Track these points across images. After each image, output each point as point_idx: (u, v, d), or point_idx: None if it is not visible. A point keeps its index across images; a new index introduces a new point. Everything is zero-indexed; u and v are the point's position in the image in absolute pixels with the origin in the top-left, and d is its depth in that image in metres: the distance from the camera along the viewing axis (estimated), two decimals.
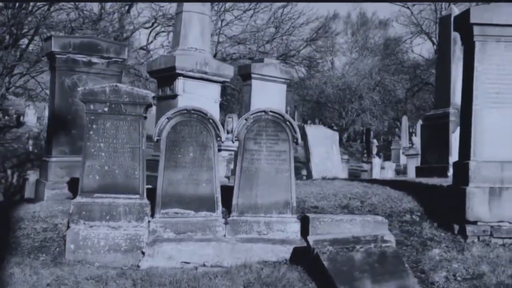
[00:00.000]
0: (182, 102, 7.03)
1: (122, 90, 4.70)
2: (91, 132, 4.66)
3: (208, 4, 7.52)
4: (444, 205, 5.20)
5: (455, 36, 8.08)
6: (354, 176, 19.40)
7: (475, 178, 4.84)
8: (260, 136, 4.81)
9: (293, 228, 4.77)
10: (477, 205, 4.79)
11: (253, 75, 8.16)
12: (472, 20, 4.87)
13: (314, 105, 48.71)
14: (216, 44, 32.03)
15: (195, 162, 4.74)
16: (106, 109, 4.67)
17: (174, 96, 7.04)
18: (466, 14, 4.93)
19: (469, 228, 4.80)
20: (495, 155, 4.87)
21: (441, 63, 8.38)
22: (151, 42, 29.57)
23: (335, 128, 50.42)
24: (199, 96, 7.18)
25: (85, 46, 6.35)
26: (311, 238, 4.39)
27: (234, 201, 4.77)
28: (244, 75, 8.33)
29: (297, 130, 4.87)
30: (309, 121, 45.40)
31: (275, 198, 4.80)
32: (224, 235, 4.71)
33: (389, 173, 18.88)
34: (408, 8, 23.56)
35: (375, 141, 46.62)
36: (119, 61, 6.54)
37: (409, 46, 25.19)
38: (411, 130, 31.17)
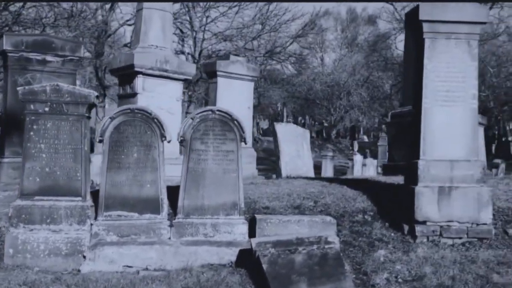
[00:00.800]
0: (142, 100, 6.93)
1: (64, 89, 4.57)
2: (31, 133, 4.53)
3: (170, 1, 7.38)
4: (397, 205, 5.14)
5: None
6: (340, 172, 19.32)
7: (424, 178, 4.78)
8: (207, 136, 4.71)
9: (241, 229, 4.68)
10: (426, 204, 4.73)
11: (218, 73, 8.04)
12: (422, 16, 4.80)
13: (303, 102, 48.60)
14: (201, 41, 31.86)
15: (139, 163, 4.63)
16: (47, 109, 4.55)
17: (134, 95, 6.92)
18: (415, 10, 4.85)
19: (418, 228, 4.74)
20: (445, 154, 4.81)
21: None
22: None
23: (325, 124, 50.60)
24: (160, 94, 7.07)
25: (39, 44, 6.21)
26: (254, 241, 4.30)
27: (179, 203, 4.67)
28: (210, 72, 8.22)
29: (246, 129, 4.78)
30: (287, 119, 45.36)
31: (222, 199, 4.71)
32: (169, 238, 4.61)
33: (370, 170, 18.85)
34: (391, 4, 23.47)
35: (365, 137, 46.64)
36: (74, 59, 6.41)
37: (393, 42, 25.10)
38: None
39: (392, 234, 4.83)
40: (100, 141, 4.63)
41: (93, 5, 23.47)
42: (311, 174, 9.27)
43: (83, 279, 4.00)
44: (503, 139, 42.60)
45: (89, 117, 4.69)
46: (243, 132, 4.74)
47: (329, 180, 6.40)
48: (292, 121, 51.00)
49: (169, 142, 4.72)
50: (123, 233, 4.56)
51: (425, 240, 4.72)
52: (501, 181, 6.26)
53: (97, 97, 4.70)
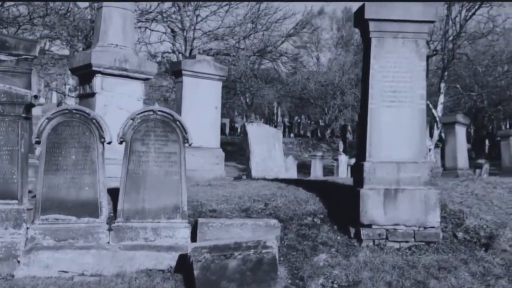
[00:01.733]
0: (101, 100, 6.81)
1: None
2: None
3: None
4: (347, 207, 5.04)
5: None
6: (330, 172, 19.15)
7: (369, 180, 4.68)
8: (148, 137, 4.61)
9: (183, 234, 4.58)
10: (372, 207, 4.64)
11: (184, 72, 7.93)
12: (368, 15, 4.69)
13: (297, 101, 48.45)
14: (192, 40, 31.73)
15: (77, 165, 4.52)
16: None
17: (92, 94, 6.80)
18: (362, 9, 4.75)
19: (363, 232, 4.64)
20: (391, 156, 4.71)
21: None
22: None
23: (321, 124, 50.39)
24: (120, 94, 6.95)
25: None
26: (191, 245, 4.20)
27: (119, 206, 4.56)
28: (176, 72, 8.10)
29: (188, 130, 4.67)
30: (282, 119, 45.25)
31: (163, 202, 4.60)
32: (108, 242, 4.50)
33: None
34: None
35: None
36: (29, 58, 6.30)
37: None
38: None
39: (339, 238, 4.73)
40: (37, 143, 4.52)
41: (82, 4, 23.38)
42: (283, 174, 9.17)
43: (9, 285, 3.89)
44: (498, 138, 42.50)
45: (27, 118, 4.58)
46: (186, 133, 4.64)
47: (288, 181, 6.30)
48: (287, 121, 50.90)
49: (109, 143, 4.61)
50: (60, 237, 4.45)
51: (371, 243, 4.63)
52: (461, 183, 6.16)
53: (35, 97, 4.58)
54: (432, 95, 28.52)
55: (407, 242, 4.65)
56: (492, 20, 23.22)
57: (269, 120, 56.00)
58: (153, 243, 4.52)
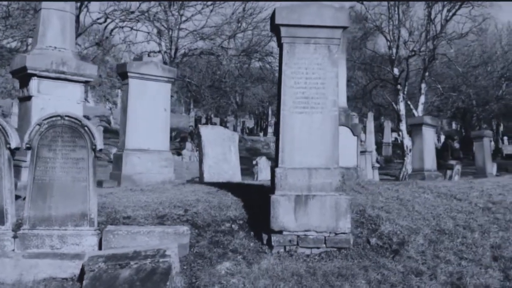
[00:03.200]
0: (38, 103, 6.78)
1: None
2: None
3: (72, 2, 7.20)
4: (266, 213, 5.01)
5: None
6: None
7: (281, 186, 4.65)
8: (56, 143, 4.55)
9: (90, 241, 4.53)
10: (283, 214, 4.60)
11: (130, 74, 7.87)
12: (278, 20, 4.65)
13: None
14: (177, 39, 31.66)
15: None
16: None
17: (29, 98, 6.76)
18: (273, 14, 4.70)
19: (274, 238, 4.61)
20: (304, 162, 4.68)
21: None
22: (107, 38, 29.17)
23: None
24: (59, 97, 6.91)
25: None
26: (89, 254, 4.16)
27: (25, 214, 4.51)
28: (122, 74, 8.04)
29: (97, 136, 4.62)
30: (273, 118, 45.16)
31: (71, 209, 4.55)
32: (13, 250, 4.45)
33: None
34: (362, 3, 23.31)
35: None
36: None
37: (363, 42, 24.93)
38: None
39: (252, 245, 4.69)
40: None
41: None
42: (238, 178, 9.13)
43: None
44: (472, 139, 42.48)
45: None
46: (94, 139, 4.58)
47: (225, 185, 6.25)
48: (275, 120, 50.82)
49: (16, 149, 4.56)
50: None
51: (281, 250, 4.60)
52: (394, 187, 6.13)
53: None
54: (413, 95, 28.60)
55: (318, 248, 4.62)
56: (473, 20, 23.27)
57: (260, 119, 56.00)
58: (59, 251, 4.47)
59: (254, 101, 49.95)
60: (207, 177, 8.75)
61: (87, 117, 22.18)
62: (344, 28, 4.76)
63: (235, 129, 45.56)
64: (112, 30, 28.70)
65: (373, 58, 27.10)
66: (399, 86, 23.47)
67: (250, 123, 57.89)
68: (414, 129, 13.44)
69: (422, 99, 23.91)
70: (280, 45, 4.80)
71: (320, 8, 4.65)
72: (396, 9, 23.43)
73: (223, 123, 47.48)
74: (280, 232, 4.61)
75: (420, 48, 21.79)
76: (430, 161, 13.28)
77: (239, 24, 31.17)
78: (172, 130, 41.70)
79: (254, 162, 16.62)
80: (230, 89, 32.64)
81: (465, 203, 5.53)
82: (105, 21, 27.66)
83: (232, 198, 5.58)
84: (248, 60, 38.96)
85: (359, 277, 4.02)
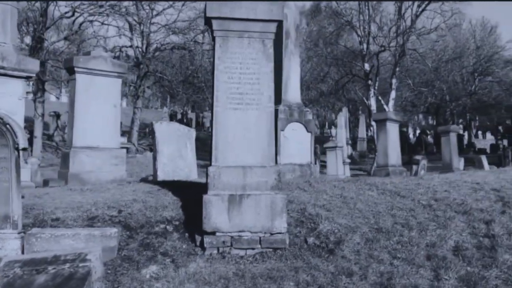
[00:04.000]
0: None
1: None
2: None
3: None
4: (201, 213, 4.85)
5: (288, 29, 7.76)
6: None
7: (214, 186, 4.49)
8: None
9: (13, 245, 4.29)
10: (216, 214, 4.45)
11: (77, 69, 7.58)
12: (210, 13, 4.48)
13: None
14: (148, 34, 31.16)
15: None
16: None
17: None
18: (205, 7, 4.53)
19: (207, 240, 4.46)
20: (238, 160, 4.53)
21: (275, 57, 8.00)
22: (76, 32, 28.51)
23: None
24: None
25: None
26: (7, 259, 3.94)
27: None
28: (69, 69, 7.75)
29: (20, 134, 4.37)
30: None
31: None
32: None
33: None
34: None
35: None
36: None
37: (335, 37, 24.95)
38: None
39: (184, 246, 4.53)
40: None
41: None
42: (194, 175, 8.95)
43: None
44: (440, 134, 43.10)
45: None
46: (17, 137, 4.34)
47: (169, 184, 6.07)
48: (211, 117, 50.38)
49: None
50: None
51: (215, 252, 4.45)
52: (338, 184, 6.04)
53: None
54: (386, 91, 28.78)
55: (253, 249, 4.49)
56: (442, 15, 23.49)
57: None
58: None
59: None
60: (161, 175, 8.54)
61: (42, 115, 21.39)
62: (279, 22, 4.61)
63: (211, 125, 45.27)
64: (80, 24, 28.10)
65: (345, 53, 27.18)
66: (370, 82, 23.60)
67: None
68: (379, 124, 13.44)
69: (393, 94, 24.08)
70: (213, 39, 4.62)
71: (253, 1, 4.50)
72: (367, 4, 23.51)
73: (199, 119, 47.12)
74: (213, 233, 4.46)
75: (389, 43, 21.90)
76: (394, 157, 13.30)
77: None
78: (146, 125, 41.26)
79: None
80: (204, 84, 32.27)
81: (408, 200, 5.47)
82: (73, 15, 27.05)
83: (172, 198, 5.40)
84: None
85: (288, 279, 3.90)
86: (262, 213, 4.49)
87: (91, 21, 27.27)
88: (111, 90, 8.06)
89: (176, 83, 30.95)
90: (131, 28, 31.52)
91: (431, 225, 4.80)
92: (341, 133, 21.85)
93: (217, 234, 4.46)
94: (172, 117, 47.66)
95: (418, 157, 15.90)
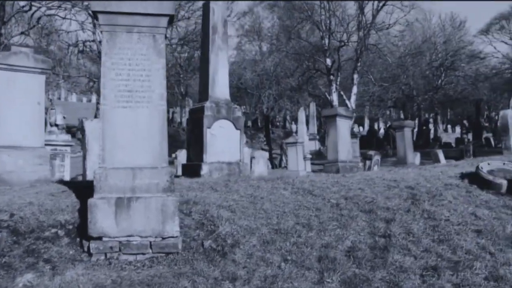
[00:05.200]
0: None
1: None
2: None
3: None
4: None
5: (215, 23, 7.56)
6: None
7: (101, 188, 4.28)
8: None
9: None
10: (102, 218, 4.24)
11: None
12: (95, 7, 4.25)
13: (234, 91, 48.02)
14: None
15: None
16: None
17: None
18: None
19: (93, 245, 4.25)
20: (127, 161, 4.32)
21: (202, 52, 7.84)
22: (34, 26, 27.71)
23: (257, 113, 50.25)
24: None
25: None
26: None
27: None
28: None
29: None
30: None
31: None
32: None
33: (260, 164, 18.49)
34: None
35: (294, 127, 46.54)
36: None
37: (296, 32, 24.88)
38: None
39: (71, 252, 4.30)
40: None
41: None
42: None
43: None
44: (424, 127, 43.82)
45: None
46: None
47: (73, 185, 5.80)
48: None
49: None
50: None
51: (102, 257, 4.24)
52: (255, 183, 5.90)
53: None
54: (348, 87, 28.94)
55: (143, 254, 4.30)
56: (403, 10, 23.67)
57: None
58: None
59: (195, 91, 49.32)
60: (90, 175, 8.27)
61: None
62: (170, 16, 4.41)
63: (181, 120, 44.77)
64: (39, 19, 27.34)
65: (307, 48, 27.17)
66: (332, 77, 23.63)
67: None
68: (329, 120, 13.40)
69: (354, 89, 24.20)
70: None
71: None
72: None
73: (169, 114, 46.55)
74: (99, 238, 4.25)
75: (348, 38, 21.95)
76: (345, 152, 13.28)
77: (177, 12, 30.43)
78: None
79: (173, 156, 16.19)
80: (168, 78, 31.81)
81: (319, 199, 5.37)
82: (30, 9, 26.28)
83: (73, 200, 5.14)
84: (193, 50, 38.22)
85: (166, 287, 3.72)
86: (152, 216, 4.30)
87: (49, 15, 26.57)
88: (34, 87, 7.69)
89: None
90: (94, 22, 30.87)
91: (332, 225, 4.70)
92: (302, 129, 21.84)
93: (104, 239, 4.25)
94: None
95: (371, 152, 15.96)
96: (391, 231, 4.52)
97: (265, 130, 34.08)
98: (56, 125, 12.89)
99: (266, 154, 19.31)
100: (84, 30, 31.74)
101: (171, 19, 4.46)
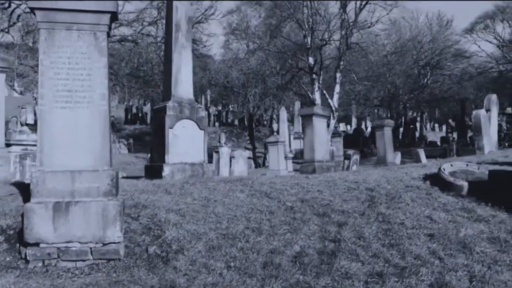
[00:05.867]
0: None
1: None
2: None
3: None
4: None
5: (178, 21, 7.39)
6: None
7: (38, 192, 4.10)
8: None
9: None
10: (39, 224, 4.06)
11: None
12: (32, 3, 4.07)
13: (221, 89, 47.94)
14: None
15: None
16: None
17: None
18: None
19: (29, 252, 4.07)
20: (67, 164, 4.15)
21: (166, 51, 7.66)
22: (14, 24, 27.28)
23: (244, 112, 50.01)
24: None
25: None
26: None
27: None
28: None
29: None
30: (207, 107, 44.77)
31: None
32: None
33: (240, 163, 18.35)
34: None
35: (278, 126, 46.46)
36: None
37: (278, 30, 24.75)
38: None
39: (8, 259, 4.12)
40: None
41: None
42: None
43: None
44: (411, 126, 43.98)
45: None
46: None
47: (23, 187, 5.61)
48: (216, 109, 50.08)
49: None
50: None
51: (39, 264, 4.06)
52: (212, 185, 5.75)
53: None
54: (332, 86, 28.89)
55: (84, 261, 4.13)
56: (386, 9, 23.63)
57: None
58: None
59: None
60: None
61: None
62: (112, 13, 4.24)
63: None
64: (19, 16, 26.89)
65: (290, 47, 27.05)
66: (314, 76, 23.54)
67: None
68: (306, 120, 13.26)
69: (337, 88, 24.10)
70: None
71: None
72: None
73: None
74: (36, 244, 4.07)
75: (330, 37, 21.86)
76: (322, 152, 13.16)
77: (160, 11, 30.19)
78: None
79: (148, 155, 15.92)
80: (151, 77, 31.49)
81: (274, 202, 5.23)
82: (9, 6, 25.83)
83: (19, 203, 4.91)
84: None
85: None
86: (92, 221, 4.13)
87: (29, 12, 26.12)
88: None
89: (121, 76, 30.12)
90: None
91: (283, 229, 4.56)
92: (283, 128, 21.71)
93: (41, 245, 4.08)
94: (127, 112, 46.56)
95: (349, 152, 15.87)
96: (341, 235, 4.39)
97: (249, 129, 33.94)
98: (27, 125, 12.58)
99: (246, 154, 19.16)
100: None
101: (114, 17, 4.29)
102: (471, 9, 77.23)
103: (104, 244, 4.17)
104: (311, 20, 22.80)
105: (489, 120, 10.41)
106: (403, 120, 45.11)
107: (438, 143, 37.21)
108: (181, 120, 7.10)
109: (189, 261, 4.07)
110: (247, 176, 7.80)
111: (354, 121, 48.77)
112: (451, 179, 5.65)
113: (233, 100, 49.85)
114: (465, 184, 5.53)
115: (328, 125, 23.95)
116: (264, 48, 26.29)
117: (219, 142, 17.99)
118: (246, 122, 48.41)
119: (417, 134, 42.52)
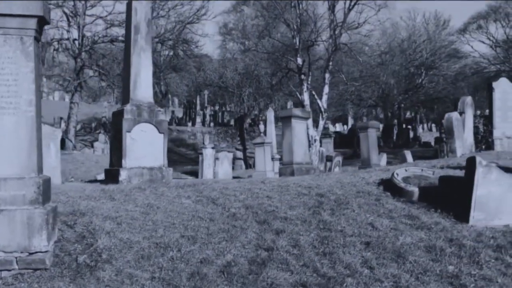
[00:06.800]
0: None
1: None
2: None
3: None
4: None
5: (138, 23, 7.30)
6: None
7: None
8: None
9: None
10: None
11: None
12: None
13: (215, 90, 47.89)
14: (83, 26, 30.19)
15: None
16: None
17: None
18: None
19: None
20: None
21: (125, 53, 7.57)
22: None
23: (247, 112, 49.89)
24: None
25: None
26: None
27: None
28: None
29: None
30: (202, 107, 44.70)
31: None
32: None
33: (224, 165, 18.26)
34: None
35: (262, 127, 46.51)
36: None
37: (266, 31, 24.67)
38: None
39: None
40: None
41: None
42: (57, 179, 8.43)
43: None
44: (407, 126, 43.86)
45: None
46: None
47: None
48: (211, 110, 50.03)
49: None
50: None
51: None
52: (159, 191, 5.66)
53: None
54: (321, 86, 28.80)
55: (9, 270, 4.03)
56: (374, 9, 23.54)
57: (189, 109, 55.28)
58: None
59: (179, 90, 49.06)
60: None
61: None
62: (39, 17, 4.14)
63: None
64: None
65: (279, 47, 26.94)
66: (303, 76, 23.45)
67: (179, 113, 57.14)
68: (284, 121, 13.16)
69: (326, 89, 24.01)
70: None
71: None
72: None
73: None
74: None
75: (316, 38, 21.77)
76: (301, 154, 13.05)
77: (152, 12, 30.13)
78: (95, 119, 39.71)
79: None
80: None
81: (219, 209, 5.14)
82: None
83: None
84: (169, 49, 37.91)
85: None
86: (17, 230, 4.03)
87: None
88: None
89: (113, 76, 30.10)
90: (68, 20, 30.50)
91: (219, 237, 4.47)
92: (270, 129, 21.62)
93: None
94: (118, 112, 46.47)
95: (331, 153, 15.78)
96: (276, 244, 4.30)
97: (239, 130, 33.87)
98: None
99: (231, 155, 19.07)
100: (58, 28, 31.32)
101: (43, 21, 4.20)
102: (465, 9, 77.11)
103: (30, 254, 4.07)
104: (299, 20, 22.71)
105: (463, 123, 10.30)
106: (397, 120, 45.05)
107: (432, 143, 37.13)
108: (139, 124, 7.01)
109: (115, 271, 3.98)
110: (201, 181, 7.71)
111: (350, 121, 48.70)
112: (402, 184, 5.56)
113: (228, 100, 49.77)
114: (416, 190, 5.44)
115: (317, 126, 23.91)
116: (252, 50, 26.20)
117: (203, 143, 17.91)
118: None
119: (412, 134, 42.46)
